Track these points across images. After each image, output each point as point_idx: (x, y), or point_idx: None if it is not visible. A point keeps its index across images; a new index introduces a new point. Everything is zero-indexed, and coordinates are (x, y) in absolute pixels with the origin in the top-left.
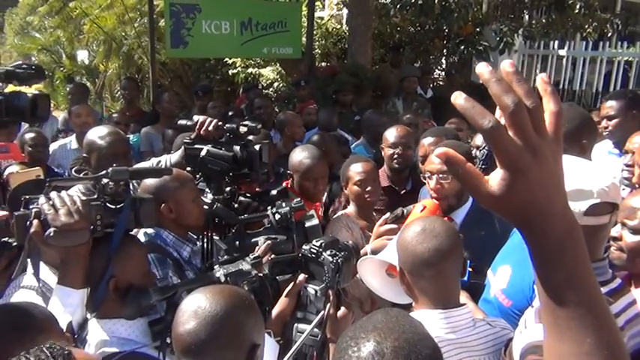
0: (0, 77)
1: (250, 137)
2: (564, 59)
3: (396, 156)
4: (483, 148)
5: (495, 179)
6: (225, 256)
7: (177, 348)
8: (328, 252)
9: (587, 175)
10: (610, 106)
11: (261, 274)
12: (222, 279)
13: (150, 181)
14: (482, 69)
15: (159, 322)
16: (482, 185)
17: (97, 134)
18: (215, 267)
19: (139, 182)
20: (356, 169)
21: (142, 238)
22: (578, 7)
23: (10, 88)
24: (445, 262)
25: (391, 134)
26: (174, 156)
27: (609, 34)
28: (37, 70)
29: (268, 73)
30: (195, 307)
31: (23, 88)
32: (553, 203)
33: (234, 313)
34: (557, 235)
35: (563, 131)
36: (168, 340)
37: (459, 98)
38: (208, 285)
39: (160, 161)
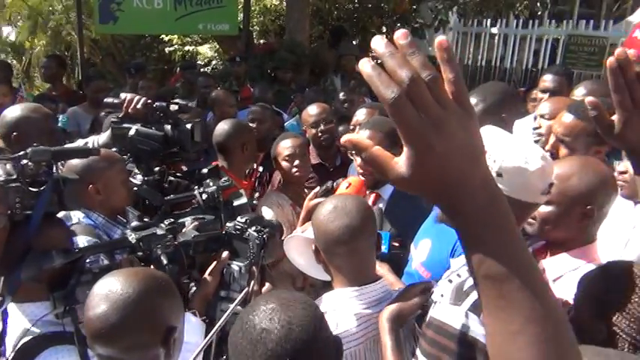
0: None
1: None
2: (496, 37)
3: (320, 133)
4: None
5: (402, 159)
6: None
7: (88, 333)
8: (253, 228)
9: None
10: (552, 79)
11: (177, 242)
12: (134, 243)
13: (77, 161)
14: (377, 43)
15: (61, 288)
16: (391, 167)
17: (19, 112)
18: (127, 231)
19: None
20: (284, 145)
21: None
22: None
23: None
24: (357, 239)
25: (309, 114)
26: (103, 137)
27: (539, 13)
28: None
29: (206, 50)
30: (106, 291)
31: None
32: (468, 179)
33: (147, 296)
34: (477, 211)
35: (484, 105)
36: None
37: (365, 65)
38: (119, 248)
39: (87, 142)
